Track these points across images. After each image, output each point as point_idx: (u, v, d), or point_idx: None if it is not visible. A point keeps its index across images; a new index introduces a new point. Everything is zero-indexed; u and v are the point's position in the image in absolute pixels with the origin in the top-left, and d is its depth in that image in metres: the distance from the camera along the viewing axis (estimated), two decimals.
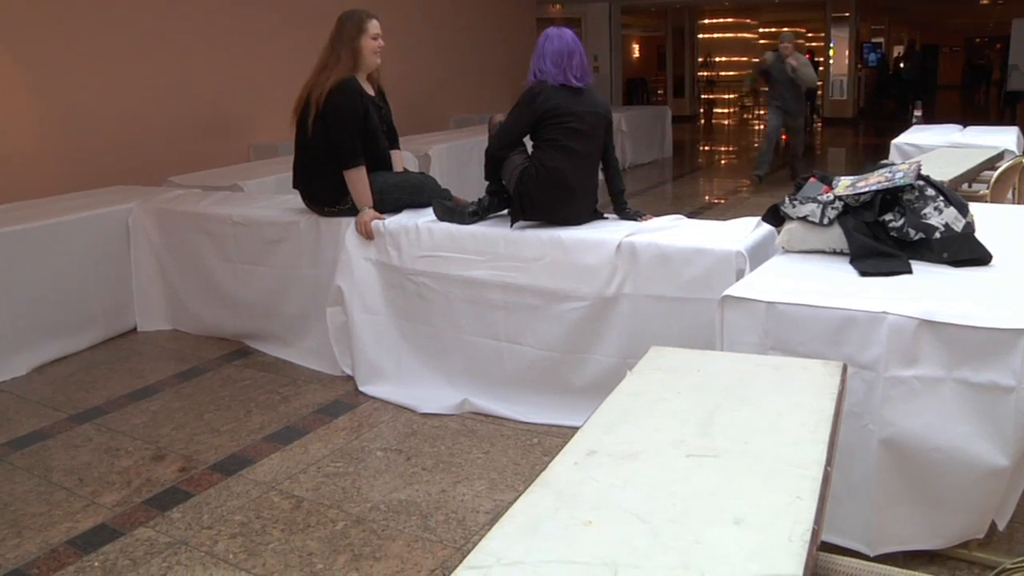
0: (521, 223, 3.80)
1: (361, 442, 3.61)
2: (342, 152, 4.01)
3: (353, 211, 4.12)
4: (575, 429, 1.65)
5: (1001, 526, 2.41)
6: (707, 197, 9.73)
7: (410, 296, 4.04)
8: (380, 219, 4.09)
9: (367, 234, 4.07)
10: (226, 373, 4.49)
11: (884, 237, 2.77)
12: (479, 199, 4.00)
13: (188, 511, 3.10)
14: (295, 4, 8.13)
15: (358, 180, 4.05)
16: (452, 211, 3.97)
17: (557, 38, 3.74)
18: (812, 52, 19.02)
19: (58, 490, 3.30)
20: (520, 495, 1.42)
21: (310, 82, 4.08)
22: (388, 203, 4.19)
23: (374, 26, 4.09)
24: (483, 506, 3.05)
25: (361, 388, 4.10)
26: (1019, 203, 5.17)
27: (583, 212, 3.81)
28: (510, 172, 3.83)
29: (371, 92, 4.17)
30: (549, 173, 3.68)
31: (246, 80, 8.18)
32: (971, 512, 2.37)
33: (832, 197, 2.85)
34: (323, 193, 4.22)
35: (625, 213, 3.90)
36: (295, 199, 4.44)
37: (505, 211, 3.93)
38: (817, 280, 2.63)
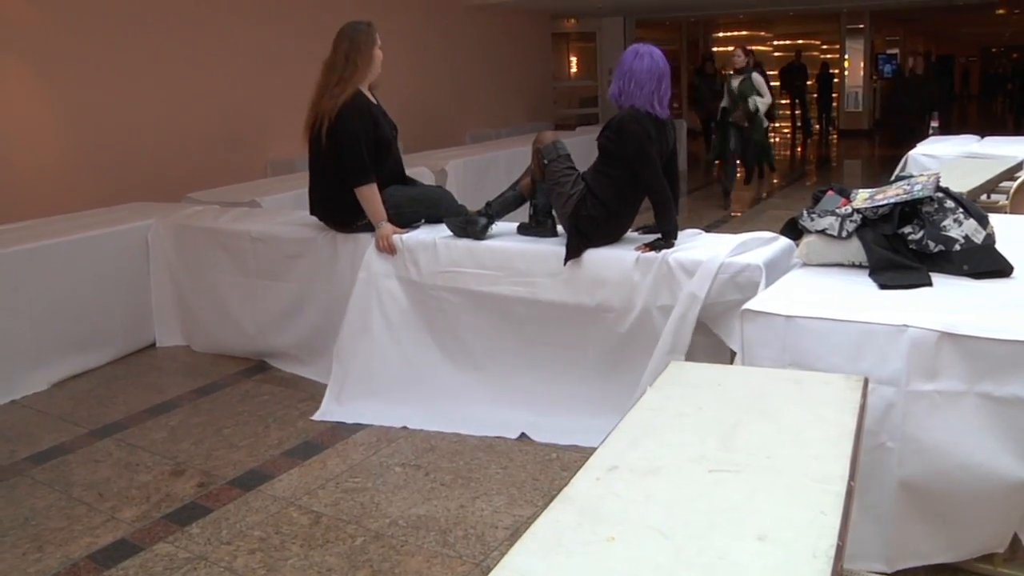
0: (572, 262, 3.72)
1: (379, 457, 3.61)
2: (353, 169, 4.00)
3: (372, 227, 4.13)
4: (595, 449, 1.64)
5: None
6: (723, 210, 9.70)
7: (430, 312, 4.04)
8: (399, 233, 4.10)
9: (389, 248, 4.08)
10: (244, 388, 4.51)
11: (903, 250, 2.76)
12: (487, 203, 3.98)
13: (207, 526, 3.11)
14: (311, 20, 8.19)
15: (370, 196, 4.05)
16: (464, 227, 3.95)
17: (648, 56, 3.52)
18: (827, 63, 19.00)
19: (78, 505, 3.31)
20: (540, 510, 1.42)
21: (321, 94, 4.05)
22: (407, 217, 4.20)
23: (379, 37, 4.11)
24: (502, 521, 3.05)
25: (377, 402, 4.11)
26: None
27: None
28: (562, 203, 3.68)
29: (374, 100, 4.19)
30: (609, 213, 3.61)
31: (263, 96, 8.23)
32: (993, 526, 2.34)
33: (850, 210, 2.84)
34: (341, 212, 4.23)
35: (655, 243, 3.59)
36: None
37: (523, 206, 3.94)
38: (836, 293, 2.62)
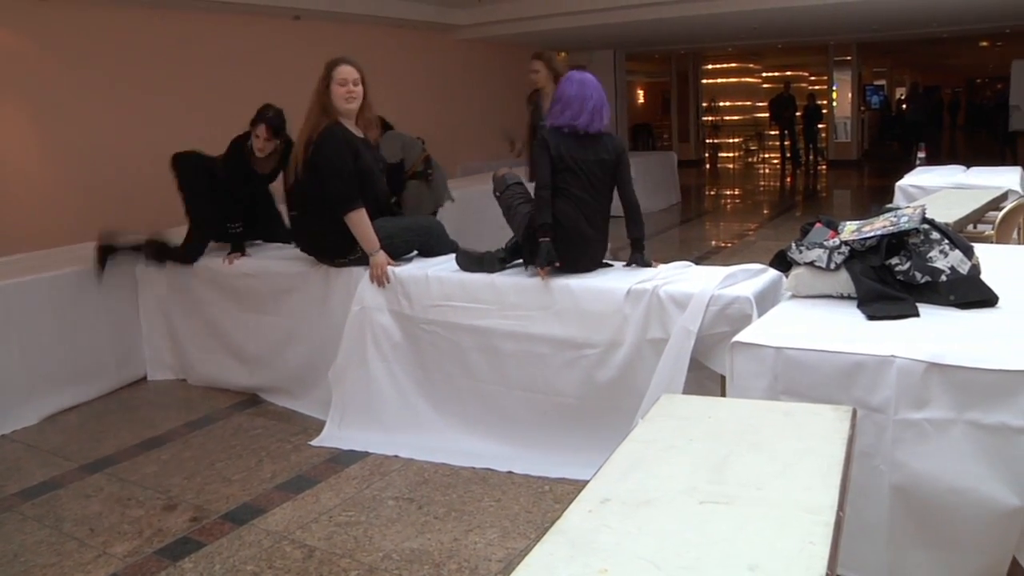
0: (533, 269, 3.83)
1: (372, 491, 3.61)
2: (338, 197, 4.03)
3: (363, 260, 4.15)
4: (587, 482, 1.65)
5: None
6: (714, 242, 9.77)
7: (422, 346, 4.06)
8: (393, 265, 4.12)
9: (384, 277, 4.09)
10: (237, 422, 4.50)
11: (891, 281, 2.79)
12: (506, 244, 4.02)
13: (200, 561, 3.10)
14: (302, 57, 8.27)
15: (360, 222, 4.07)
16: (480, 260, 3.97)
17: (577, 83, 3.80)
18: (814, 95, 19.19)
19: (69, 540, 3.30)
20: (534, 543, 1.43)
21: (301, 132, 4.12)
22: (399, 247, 4.23)
23: (341, 72, 4.10)
24: (495, 554, 3.04)
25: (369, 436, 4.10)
26: None
27: (592, 259, 3.82)
28: (518, 221, 3.87)
29: (359, 135, 4.22)
30: (559, 221, 3.70)
31: None
32: (988, 553, 2.35)
33: (838, 242, 2.88)
34: (332, 247, 4.25)
35: (635, 258, 3.87)
36: None
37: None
38: (825, 324, 2.65)
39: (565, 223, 3.70)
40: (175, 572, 3.03)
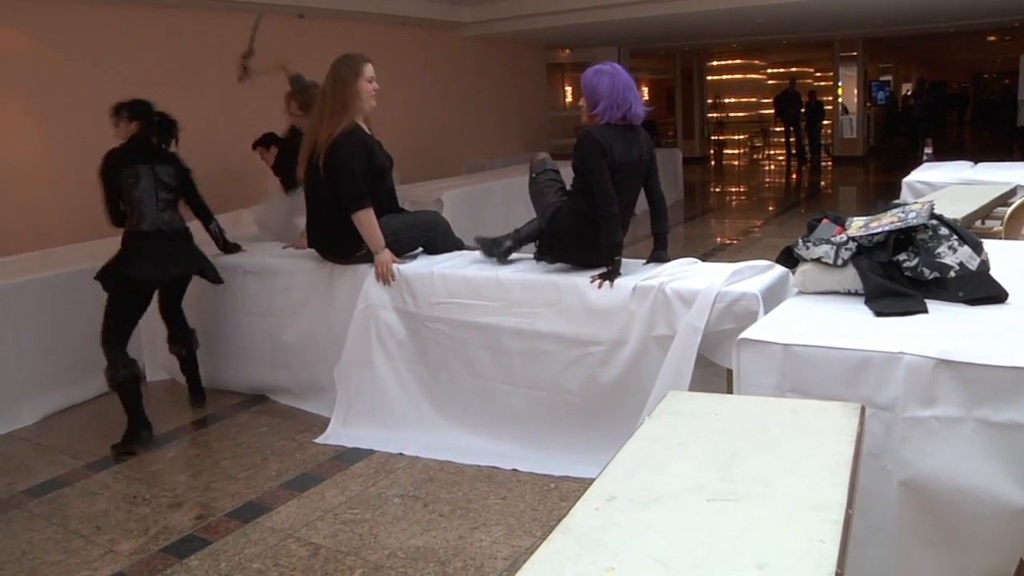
0: (545, 263, 3.81)
1: (378, 488, 3.60)
2: (349, 197, 4.02)
3: (369, 257, 4.14)
4: (592, 480, 1.64)
5: None
6: (719, 238, 9.74)
7: (426, 343, 4.05)
8: (398, 262, 4.11)
9: (389, 275, 4.08)
10: (242, 420, 4.50)
11: (899, 277, 2.77)
12: (516, 229, 4.00)
13: (206, 559, 3.10)
14: (313, 54, 8.26)
15: (368, 222, 4.07)
16: (490, 247, 3.99)
17: (611, 74, 3.60)
18: (814, 92, 19.13)
19: (76, 538, 3.30)
20: (539, 541, 1.42)
21: (315, 127, 4.10)
22: (405, 243, 4.22)
23: (369, 69, 4.14)
24: (501, 552, 3.03)
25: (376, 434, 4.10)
26: None
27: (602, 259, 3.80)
28: (543, 208, 3.84)
29: (368, 132, 4.21)
30: (583, 219, 3.66)
31: (259, 129, 8.26)
32: (997, 553, 2.33)
33: (846, 238, 2.86)
34: (339, 244, 4.24)
35: (657, 254, 3.83)
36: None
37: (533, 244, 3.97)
38: (833, 321, 2.63)
39: (592, 223, 3.67)
40: (181, 570, 3.03)
